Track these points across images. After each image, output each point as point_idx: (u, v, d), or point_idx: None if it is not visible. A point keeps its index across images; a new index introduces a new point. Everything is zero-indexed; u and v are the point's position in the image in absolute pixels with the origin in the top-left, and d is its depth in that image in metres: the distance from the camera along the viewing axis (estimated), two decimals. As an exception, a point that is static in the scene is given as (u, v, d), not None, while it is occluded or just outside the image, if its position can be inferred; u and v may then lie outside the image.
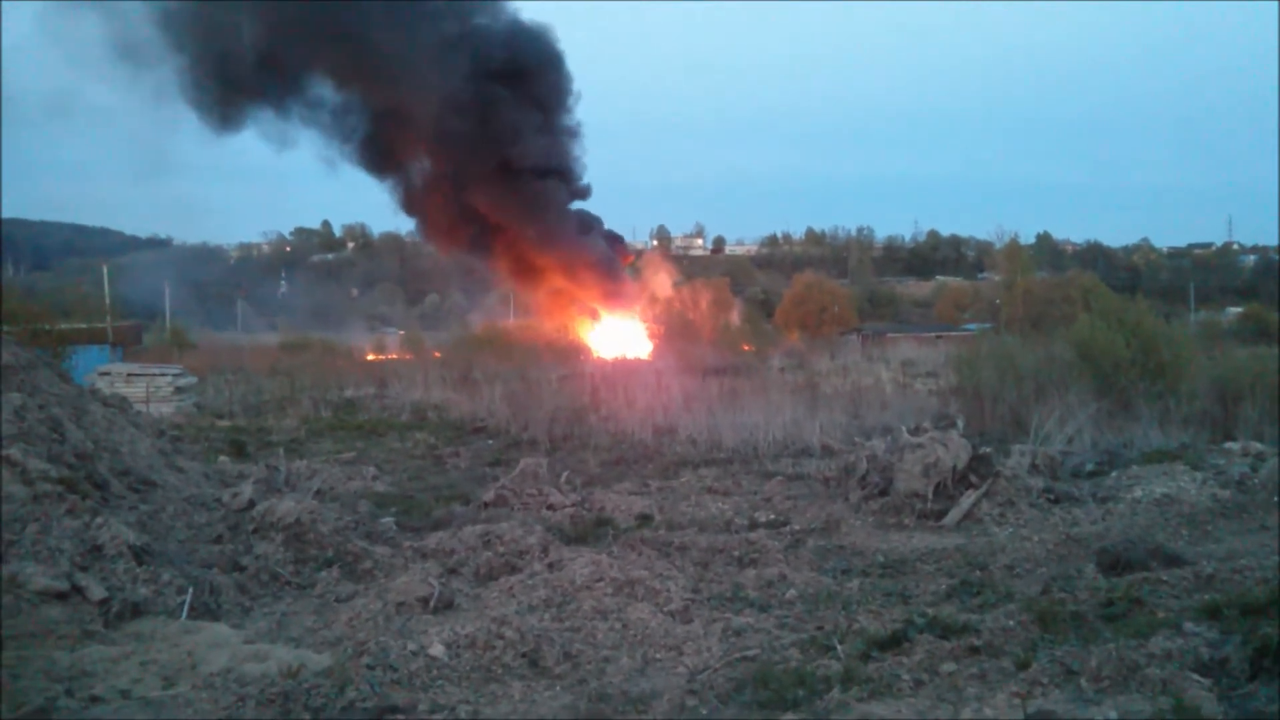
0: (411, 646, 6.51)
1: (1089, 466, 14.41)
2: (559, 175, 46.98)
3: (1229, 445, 14.69)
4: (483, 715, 5.85)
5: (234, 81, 42.44)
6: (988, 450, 12.80)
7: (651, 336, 49.51)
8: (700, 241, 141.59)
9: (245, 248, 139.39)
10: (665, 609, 7.77)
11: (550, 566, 8.79)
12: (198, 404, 28.02)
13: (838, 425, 19.27)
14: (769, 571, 9.24)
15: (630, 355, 44.14)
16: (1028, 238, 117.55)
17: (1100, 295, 34.51)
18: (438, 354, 46.40)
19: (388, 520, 11.91)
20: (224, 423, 24.41)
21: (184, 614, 7.62)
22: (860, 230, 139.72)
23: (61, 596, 7.25)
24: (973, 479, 12.17)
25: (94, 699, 5.83)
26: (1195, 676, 5.14)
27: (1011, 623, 6.54)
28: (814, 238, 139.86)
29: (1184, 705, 4.81)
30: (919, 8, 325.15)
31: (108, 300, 53.54)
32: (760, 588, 8.81)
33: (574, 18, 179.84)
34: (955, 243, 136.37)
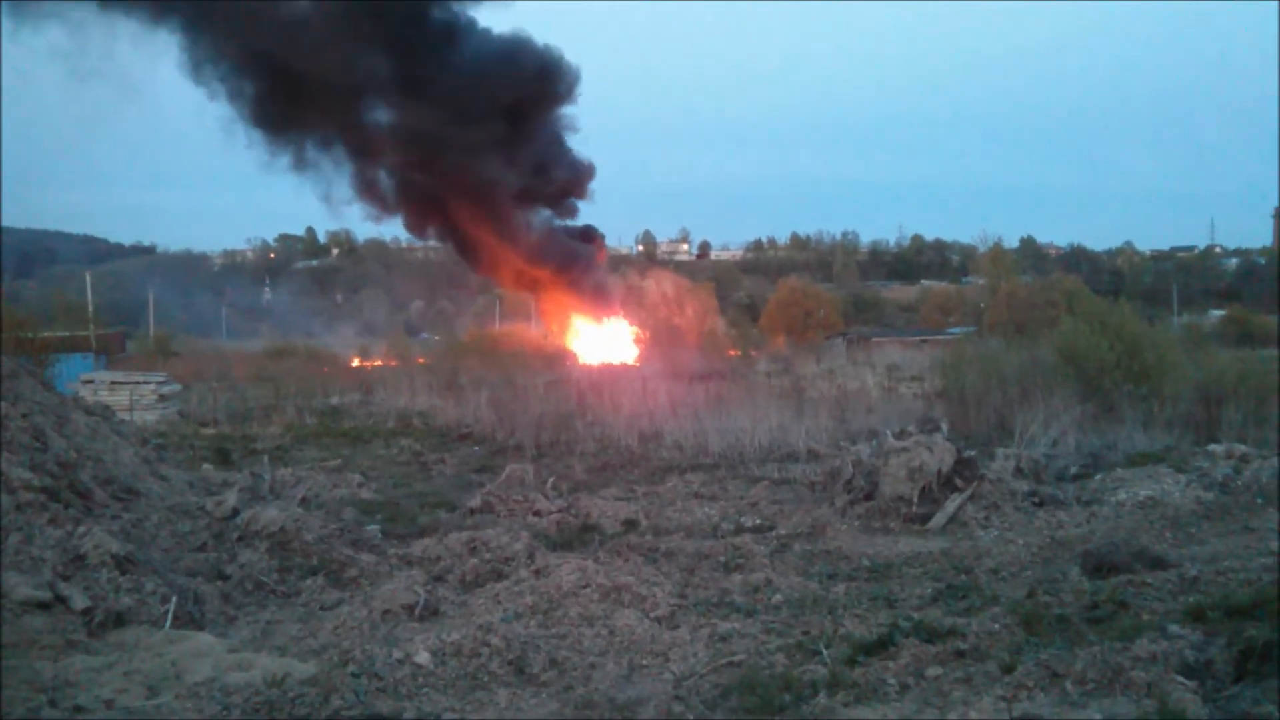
0: (397, 654, 6.49)
1: (1073, 469, 14.47)
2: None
3: (1213, 447, 14.77)
4: (469, 723, 5.83)
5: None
6: (972, 454, 12.84)
7: (638, 342, 49.50)
8: (685, 247, 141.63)
9: (229, 254, 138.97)
10: (651, 615, 7.76)
11: (536, 573, 8.76)
12: (181, 412, 27.88)
13: (823, 430, 19.31)
14: (755, 576, 9.24)
15: (616, 361, 44.11)
16: (1011, 242, 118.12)
17: (1084, 298, 34.73)
18: (422, 360, 46.26)
19: (373, 528, 11.87)
20: (208, 430, 24.30)
21: (168, 623, 7.57)
22: (845, 235, 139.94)
23: (44, 606, 7.20)
24: (958, 482, 12.20)
25: (77, 709, 5.79)
26: (1180, 679, 5.16)
27: (997, 626, 6.56)
28: (799, 242, 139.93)
29: (1169, 708, 4.83)
30: (902, 11, 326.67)
31: (91, 307, 53.36)
32: (746, 593, 8.81)
33: (554, 21, 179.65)
34: (939, 247, 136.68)
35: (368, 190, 45.13)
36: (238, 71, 41.17)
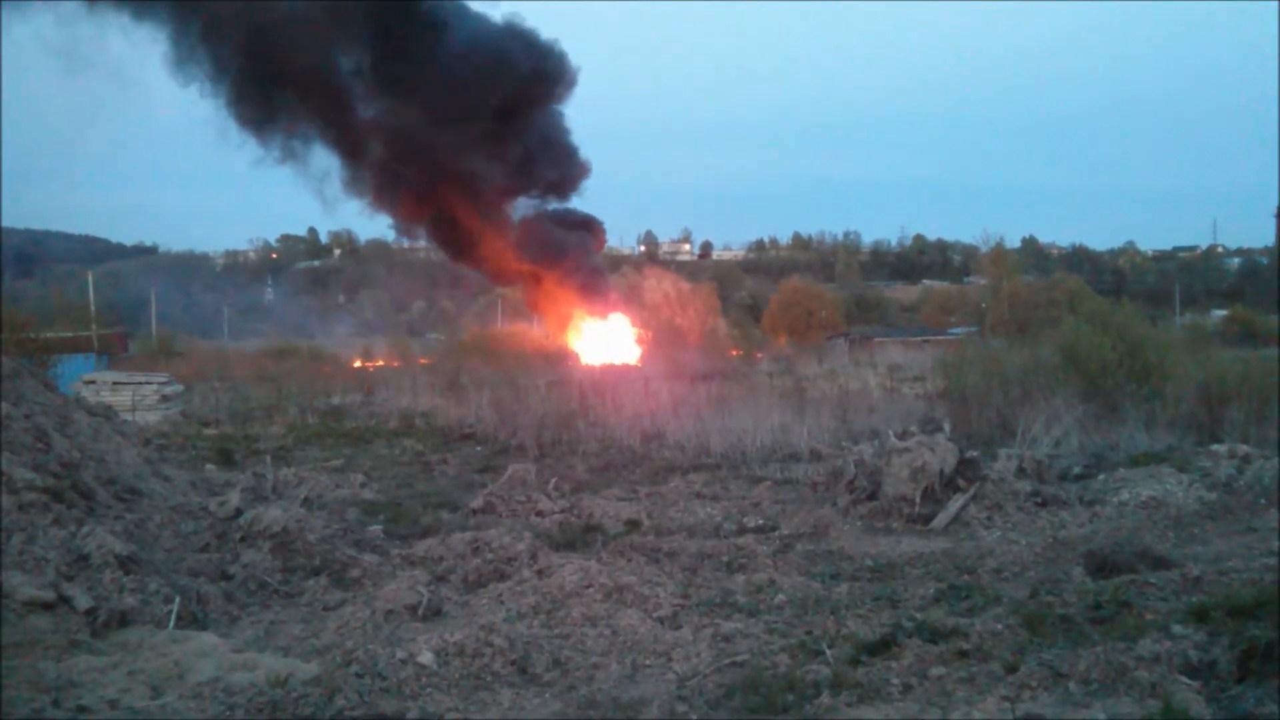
0: (400, 654, 6.49)
1: (1076, 469, 14.45)
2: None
3: (1215, 447, 14.73)
4: (472, 723, 5.84)
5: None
6: (975, 454, 12.82)
7: (640, 342, 49.38)
8: (687, 247, 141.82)
9: (231, 255, 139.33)
10: (654, 615, 7.76)
11: (539, 573, 8.77)
12: (184, 412, 27.92)
13: (825, 430, 19.28)
14: (758, 577, 9.24)
15: (618, 361, 44.05)
16: (1013, 242, 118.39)
17: (1086, 298, 34.73)
18: (423, 360, 46.23)
19: (376, 528, 11.89)
20: (210, 431, 24.31)
21: (171, 623, 7.58)
22: (847, 235, 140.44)
23: (48, 606, 7.21)
24: (960, 483, 12.19)
25: (81, 709, 5.79)
26: (1183, 679, 5.16)
27: (1000, 626, 6.56)
28: (800, 243, 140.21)
29: (1172, 708, 4.82)
30: (903, 10, 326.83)
31: (93, 308, 53.39)
32: (749, 593, 8.80)
33: (557, 20, 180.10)
34: (941, 247, 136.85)
35: (357, 183, 44.83)
36: (221, 66, 40.70)
